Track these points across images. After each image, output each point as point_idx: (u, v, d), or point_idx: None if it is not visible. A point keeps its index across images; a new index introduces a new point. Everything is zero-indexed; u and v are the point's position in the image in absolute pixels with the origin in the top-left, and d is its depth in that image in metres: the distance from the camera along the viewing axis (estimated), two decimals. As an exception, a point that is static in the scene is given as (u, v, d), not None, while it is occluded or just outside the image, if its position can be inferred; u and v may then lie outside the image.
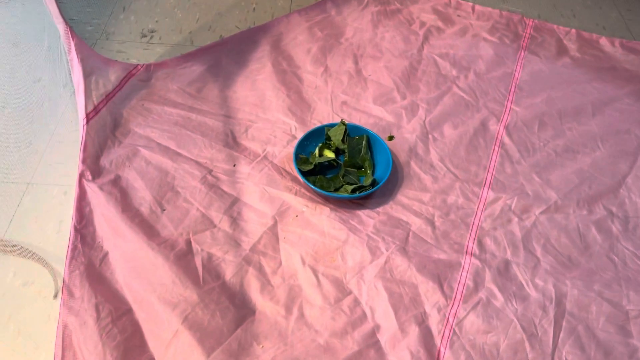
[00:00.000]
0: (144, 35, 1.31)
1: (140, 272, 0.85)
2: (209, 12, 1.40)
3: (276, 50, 1.28)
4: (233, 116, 1.13)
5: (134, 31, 1.32)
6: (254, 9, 1.42)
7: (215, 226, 0.94)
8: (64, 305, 0.81)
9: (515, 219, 0.98)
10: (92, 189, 0.95)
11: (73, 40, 1.01)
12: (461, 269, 0.90)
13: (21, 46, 1.26)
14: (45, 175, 1.01)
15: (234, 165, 1.03)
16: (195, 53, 1.25)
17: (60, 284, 0.85)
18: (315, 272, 0.88)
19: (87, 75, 1.05)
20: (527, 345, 0.82)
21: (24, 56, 1.23)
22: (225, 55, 1.26)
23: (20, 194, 0.98)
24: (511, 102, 1.20)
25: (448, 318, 0.84)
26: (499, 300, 0.86)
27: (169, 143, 1.06)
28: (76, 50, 1.01)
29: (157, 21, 1.36)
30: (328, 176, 1.02)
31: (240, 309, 0.83)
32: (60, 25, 1.00)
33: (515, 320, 0.84)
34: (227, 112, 1.14)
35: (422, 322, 0.83)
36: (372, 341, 0.81)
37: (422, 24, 1.39)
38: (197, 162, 1.03)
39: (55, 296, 0.85)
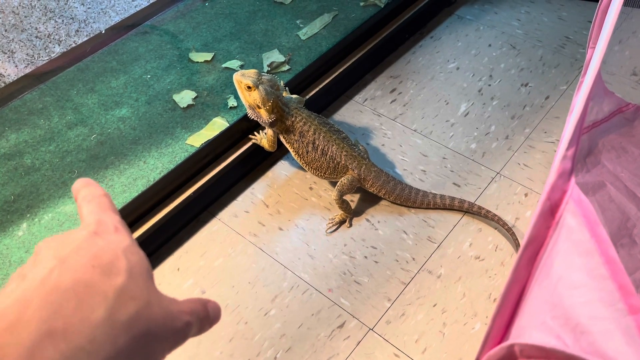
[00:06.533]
0: (634, 74, 1.30)
1: None
2: None
3: None
4: None
5: (625, 66, 1.32)
6: None
7: (666, 293, 0.90)
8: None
9: None
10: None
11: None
12: None
13: (518, 49, 1.38)
14: (512, 172, 1.12)
15: (703, 241, 0.96)
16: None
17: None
18: None
19: (590, 99, 1.09)
20: None
21: (518, 58, 1.35)
22: None
23: (489, 179, 1.11)
24: None
25: None
26: None
27: (636, 189, 1.04)
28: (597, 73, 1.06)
29: (651, 63, 1.33)
30: None
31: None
32: (590, 50, 1.06)
33: None
34: None
35: None
36: None
37: None
38: (662, 221, 0.99)
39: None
